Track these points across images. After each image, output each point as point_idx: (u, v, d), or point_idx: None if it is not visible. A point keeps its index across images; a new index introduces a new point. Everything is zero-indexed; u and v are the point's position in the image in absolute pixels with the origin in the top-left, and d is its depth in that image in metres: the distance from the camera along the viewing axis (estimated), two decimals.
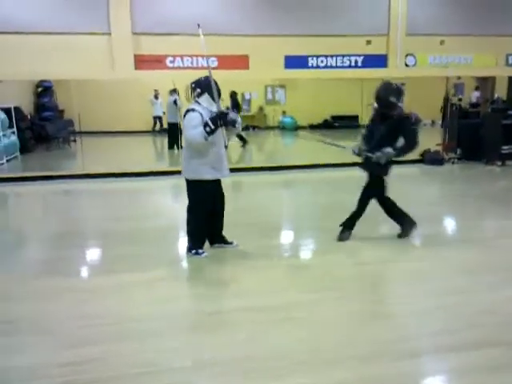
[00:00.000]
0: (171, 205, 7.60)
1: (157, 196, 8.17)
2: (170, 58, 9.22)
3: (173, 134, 12.33)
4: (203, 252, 4.66)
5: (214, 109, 4.29)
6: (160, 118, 16.95)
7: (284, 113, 19.93)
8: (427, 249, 5.02)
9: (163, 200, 7.94)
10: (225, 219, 4.83)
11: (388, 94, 4.60)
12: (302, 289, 3.99)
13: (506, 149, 9.94)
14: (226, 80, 12.15)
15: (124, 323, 3.40)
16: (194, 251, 4.65)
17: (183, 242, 4.98)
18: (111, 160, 11.45)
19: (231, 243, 4.91)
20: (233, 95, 13.61)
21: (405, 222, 5.08)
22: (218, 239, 4.88)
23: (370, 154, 4.75)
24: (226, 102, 12.90)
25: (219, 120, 4.19)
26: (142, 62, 9.09)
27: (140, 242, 5.28)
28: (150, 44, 9.15)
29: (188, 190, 4.57)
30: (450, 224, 6.26)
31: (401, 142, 4.73)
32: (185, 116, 4.35)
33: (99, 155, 12.70)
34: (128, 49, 8.96)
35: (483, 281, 4.09)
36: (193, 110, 4.29)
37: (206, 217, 4.60)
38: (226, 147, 4.52)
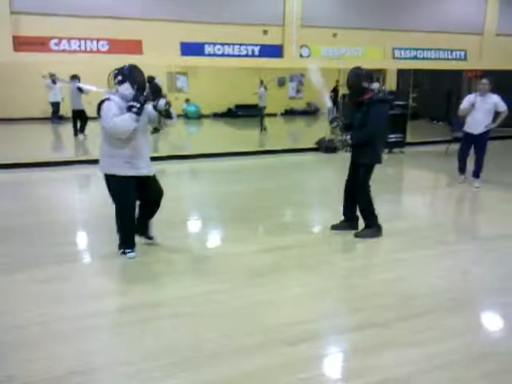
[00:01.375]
0: (66, 198, 7.03)
1: (52, 188, 7.58)
2: (55, 41, 8.57)
3: (76, 121, 11.91)
4: (130, 251, 4.32)
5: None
6: (58, 104, 15.87)
7: (187, 101, 19.58)
8: (318, 235, 5.19)
9: (59, 193, 7.35)
10: None
11: (360, 80, 4.51)
12: (192, 282, 3.91)
13: (392, 137, 10.60)
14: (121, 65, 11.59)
15: None
16: (121, 250, 4.33)
17: (70, 237, 4.74)
18: (7, 149, 10.43)
19: (151, 238, 4.66)
20: (150, 81, 13.03)
21: (372, 225, 4.93)
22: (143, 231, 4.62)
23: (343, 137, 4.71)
24: None
25: (141, 97, 3.96)
26: (22, 44, 8.34)
27: (24, 239, 4.89)
28: (32, 25, 8.41)
29: (108, 186, 4.24)
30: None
31: None
32: (99, 106, 3.99)
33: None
34: (5, 29, 8.16)
35: (368, 264, 4.31)
36: (108, 99, 3.99)
37: (131, 212, 4.28)
38: (157, 130, 4.26)
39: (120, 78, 4.02)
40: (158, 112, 4.18)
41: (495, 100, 7.05)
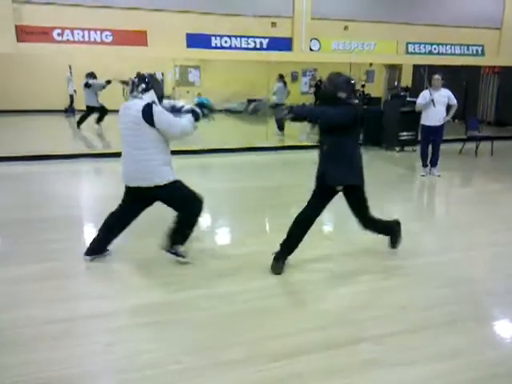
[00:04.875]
0: (67, 192, 6.86)
1: (54, 182, 7.42)
2: (58, 31, 8.39)
3: (84, 115, 12.20)
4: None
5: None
6: (71, 97, 16.02)
7: (199, 95, 19.40)
8: (318, 238, 4.92)
9: (59, 187, 7.18)
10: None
11: (335, 90, 3.64)
12: (175, 286, 3.70)
13: (403, 135, 10.25)
14: (130, 57, 11.48)
15: None
16: (176, 249, 4.09)
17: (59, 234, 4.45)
18: (18, 141, 10.41)
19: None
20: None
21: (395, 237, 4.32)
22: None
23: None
24: None
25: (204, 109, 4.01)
26: (25, 34, 8.18)
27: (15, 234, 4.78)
28: (35, 14, 8.24)
29: (166, 197, 3.95)
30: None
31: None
32: (149, 111, 3.69)
33: (2, 136, 11.54)
34: (8, 18, 8.01)
35: (363, 271, 4.02)
36: (154, 102, 3.76)
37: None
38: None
39: (143, 86, 3.82)
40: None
41: (448, 94, 7.61)
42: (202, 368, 2.65)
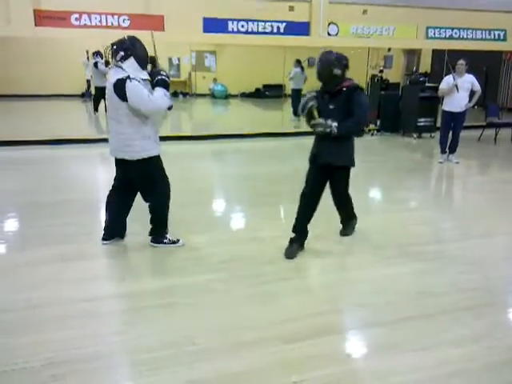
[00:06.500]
0: (86, 176, 6.97)
1: (73, 166, 7.52)
2: (76, 15, 8.40)
3: (96, 97, 12.16)
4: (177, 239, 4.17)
5: (143, 76, 3.65)
6: (88, 82, 16.22)
7: (215, 80, 19.40)
8: (333, 223, 4.92)
9: (80, 171, 7.29)
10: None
11: (330, 67, 3.72)
12: (191, 270, 3.73)
13: (421, 121, 10.10)
14: (146, 42, 11.47)
15: None
16: (168, 240, 4.11)
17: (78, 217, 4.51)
18: (33, 126, 10.57)
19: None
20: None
21: (350, 220, 4.44)
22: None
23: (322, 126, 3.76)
24: None
25: (162, 72, 3.69)
26: (43, 18, 8.22)
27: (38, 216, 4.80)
28: None
29: (144, 173, 3.83)
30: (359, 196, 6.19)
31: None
32: (121, 86, 3.51)
33: (20, 120, 11.70)
34: (26, 3, 8.05)
35: (382, 257, 4.01)
36: (129, 78, 3.52)
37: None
38: (170, 108, 3.82)
39: (122, 53, 3.57)
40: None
41: (472, 79, 7.48)
42: (217, 349, 2.69)
